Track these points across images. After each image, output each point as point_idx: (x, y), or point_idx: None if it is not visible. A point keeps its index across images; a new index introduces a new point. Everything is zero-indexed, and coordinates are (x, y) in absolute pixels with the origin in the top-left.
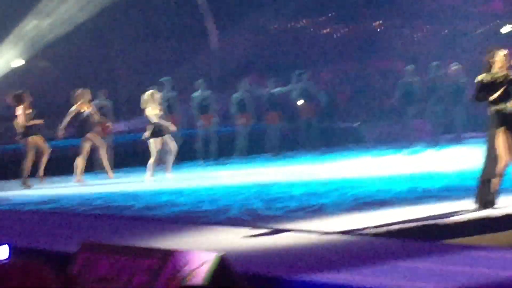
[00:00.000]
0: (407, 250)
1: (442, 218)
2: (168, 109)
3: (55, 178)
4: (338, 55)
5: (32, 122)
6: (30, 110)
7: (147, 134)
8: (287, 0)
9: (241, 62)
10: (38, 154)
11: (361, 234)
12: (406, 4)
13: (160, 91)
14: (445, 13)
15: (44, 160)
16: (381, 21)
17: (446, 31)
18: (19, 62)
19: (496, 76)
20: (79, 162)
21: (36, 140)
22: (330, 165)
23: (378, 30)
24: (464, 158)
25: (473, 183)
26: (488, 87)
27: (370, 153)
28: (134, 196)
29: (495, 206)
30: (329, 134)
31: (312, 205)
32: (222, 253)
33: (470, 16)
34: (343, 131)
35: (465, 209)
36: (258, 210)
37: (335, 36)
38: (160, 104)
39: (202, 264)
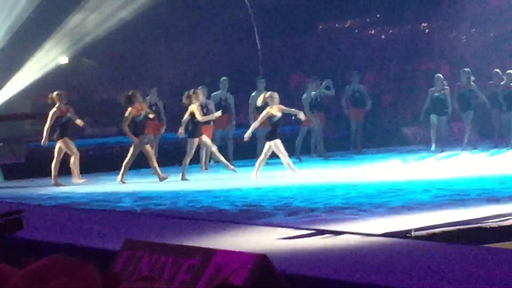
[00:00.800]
0: (450, 253)
1: (486, 221)
2: (224, 110)
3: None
4: (383, 56)
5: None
6: (141, 112)
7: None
8: (333, 0)
9: (286, 62)
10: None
11: (403, 237)
12: (453, 6)
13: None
14: (491, 15)
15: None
16: (427, 23)
17: (492, 34)
18: (64, 59)
19: None
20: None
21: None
22: (372, 167)
23: (425, 31)
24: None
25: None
26: None
27: (412, 155)
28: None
29: None
30: (374, 136)
31: (353, 206)
32: (264, 253)
33: None
34: (388, 133)
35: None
36: (301, 211)
37: (381, 37)
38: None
39: (244, 264)
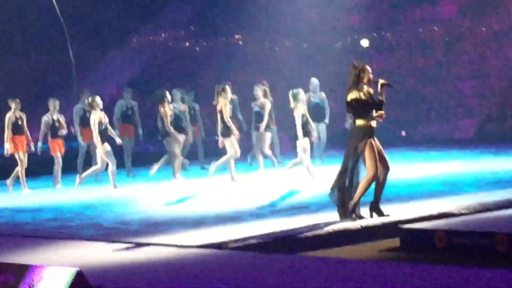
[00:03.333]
0: (266, 263)
1: (303, 231)
2: (130, 119)
3: None
4: (199, 68)
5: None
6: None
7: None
8: (146, 14)
9: (101, 76)
10: None
11: (220, 248)
12: (266, 18)
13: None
14: (304, 27)
15: None
16: (241, 35)
17: (305, 45)
18: None
19: (363, 91)
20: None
21: None
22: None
23: (239, 44)
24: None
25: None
26: (359, 103)
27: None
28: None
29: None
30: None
31: (174, 219)
32: (79, 268)
33: (329, 30)
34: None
35: (325, 221)
36: (110, 225)
37: (195, 49)
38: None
39: (59, 279)
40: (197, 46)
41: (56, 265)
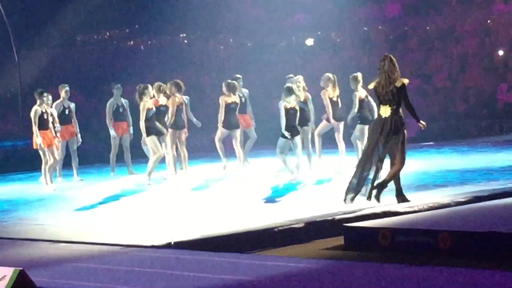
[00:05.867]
0: (212, 261)
1: (249, 229)
2: (68, 120)
3: None
4: (143, 67)
5: None
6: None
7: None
8: (91, 11)
9: (45, 75)
10: None
11: (167, 247)
12: (211, 16)
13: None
14: (248, 26)
15: None
16: (186, 34)
17: (249, 44)
18: None
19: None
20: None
21: None
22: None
23: (184, 42)
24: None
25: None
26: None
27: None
28: None
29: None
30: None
31: (122, 217)
32: (21, 268)
33: (274, 28)
34: None
35: (270, 220)
36: (53, 223)
37: (140, 48)
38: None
39: (1, 279)
40: (142, 45)
41: None
